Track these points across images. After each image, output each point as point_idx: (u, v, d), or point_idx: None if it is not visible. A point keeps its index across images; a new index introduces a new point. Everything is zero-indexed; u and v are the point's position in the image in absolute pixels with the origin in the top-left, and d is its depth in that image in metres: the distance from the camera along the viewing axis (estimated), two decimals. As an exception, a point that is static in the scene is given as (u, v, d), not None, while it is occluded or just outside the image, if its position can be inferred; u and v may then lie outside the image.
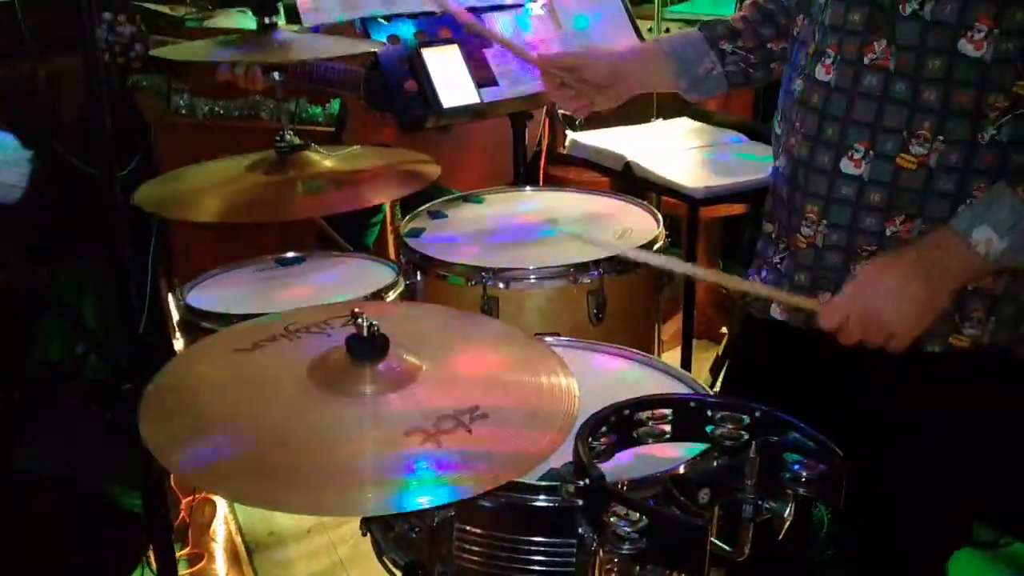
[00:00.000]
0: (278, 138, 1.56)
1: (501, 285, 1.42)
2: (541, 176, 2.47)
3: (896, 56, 1.10)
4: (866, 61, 1.13)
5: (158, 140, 2.77)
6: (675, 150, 2.14)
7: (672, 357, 2.06)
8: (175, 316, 1.48)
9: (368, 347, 0.90)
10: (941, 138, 1.10)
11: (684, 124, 2.38)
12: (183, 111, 2.81)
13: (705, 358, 2.69)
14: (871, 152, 1.14)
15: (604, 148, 2.13)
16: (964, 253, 1.05)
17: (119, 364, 2.07)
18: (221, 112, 2.81)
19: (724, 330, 2.73)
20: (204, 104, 2.80)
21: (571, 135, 2.22)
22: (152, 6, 3.18)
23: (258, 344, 0.94)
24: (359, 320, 0.90)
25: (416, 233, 1.62)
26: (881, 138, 1.13)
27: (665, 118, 2.44)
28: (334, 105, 2.81)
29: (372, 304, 1.35)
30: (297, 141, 1.58)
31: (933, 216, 1.13)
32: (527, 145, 2.08)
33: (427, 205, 1.75)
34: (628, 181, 2.05)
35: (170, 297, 1.55)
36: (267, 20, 1.54)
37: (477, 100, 1.74)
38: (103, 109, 1.47)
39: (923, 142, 1.11)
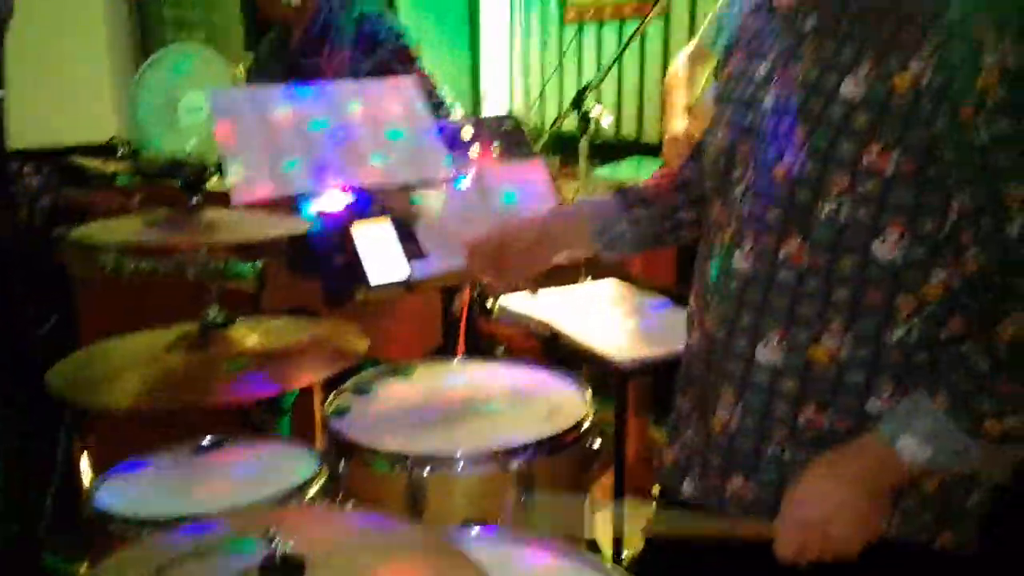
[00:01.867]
0: (203, 314, 1.54)
1: (427, 472, 1.39)
2: (465, 342, 2.48)
3: (810, 254, 1.14)
4: (781, 256, 1.16)
5: (80, 296, 2.71)
6: (602, 316, 2.17)
7: (605, 517, 2.05)
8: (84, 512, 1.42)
9: (282, 573, 0.86)
10: (851, 334, 1.13)
11: (611, 286, 2.42)
12: (109, 268, 2.76)
13: (639, 515, 2.65)
14: (785, 342, 1.17)
15: (530, 315, 2.15)
16: (892, 462, 1.07)
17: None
18: (147, 269, 2.77)
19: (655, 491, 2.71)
20: (131, 261, 2.76)
21: (499, 301, 2.24)
22: (81, 160, 3.18)
23: (163, 570, 0.89)
24: (272, 543, 0.86)
25: (341, 412, 1.59)
26: (795, 330, 1.16)
27: (594, 277, 2.49)
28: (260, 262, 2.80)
29: (288, 513, 1.31)
30: (221, 319, 1.57)
31: (844, 408, 1.15)
32: (456, 310, 2.09)
33: (353, 380, 1.73)
34: (556, 349, 2.06)
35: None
36: (194, 200, 1.55)
37: (407, 275, 1.75)
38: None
39: (834, 336, 1.13)
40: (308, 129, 1.86)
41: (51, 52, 3.79)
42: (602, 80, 2.76)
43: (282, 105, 1.88)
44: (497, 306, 2.23)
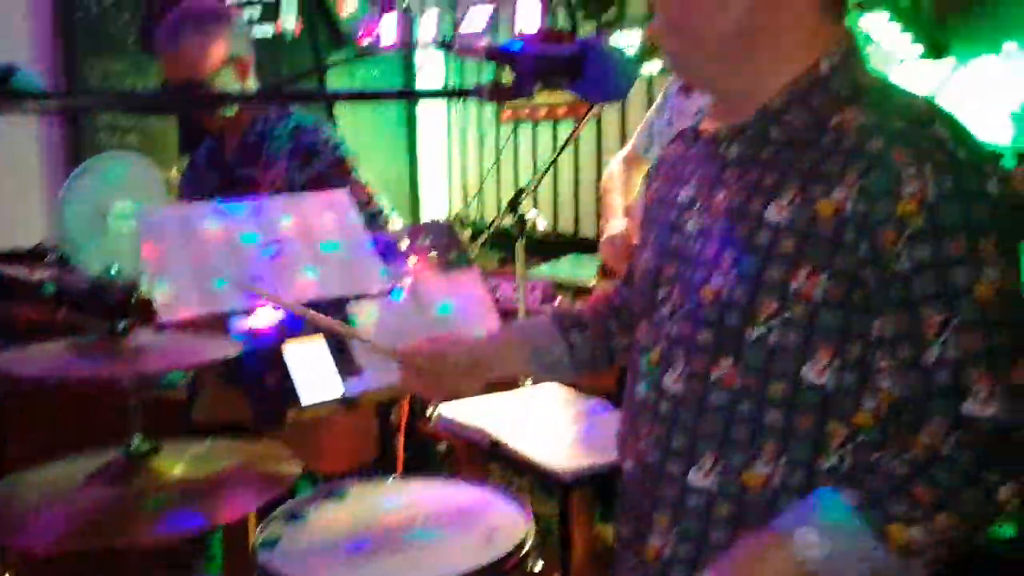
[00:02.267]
0: (126, 443, 1.48)
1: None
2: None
3: (742, 377, 1.13)
4: (713, 378, 1.16)
5: (4, 411, 2.60)
6: (544, 422, 2.14)
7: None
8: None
9: None
10: (784, 459, 1.12)
11: (552, 390, 2.40)
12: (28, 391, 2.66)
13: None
14: (719, 466, 1.15)
15: (469, 423, 2.11)
16: (787, 555, 1.03)
17: None
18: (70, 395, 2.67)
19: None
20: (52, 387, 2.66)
21: (437, 408, 2.20)
22: (5, 268, 3.09)
23: None
24: None
25: (271, 543, 1.52)
26: (728, 453, 1.14)
27: (535, 381, 2.47)
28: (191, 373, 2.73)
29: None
30: (146, 446, 1.50)
31: None
32: (394, 422, 2.05)
33: (285, 506, 1.66)
34: (496, 459, 2.02)
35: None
36: (119, 326, 1.50)
37: (341, 393, 1.71)
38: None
39: (767, 462, 1.12)
40: (239, 244, 1.84)
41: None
42: (537, 184, 2.80)
43: (211, 221, 1.86)
44: (435, 413, 2.19)
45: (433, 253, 2.01)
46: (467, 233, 4.37)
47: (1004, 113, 2.75)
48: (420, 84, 5.18)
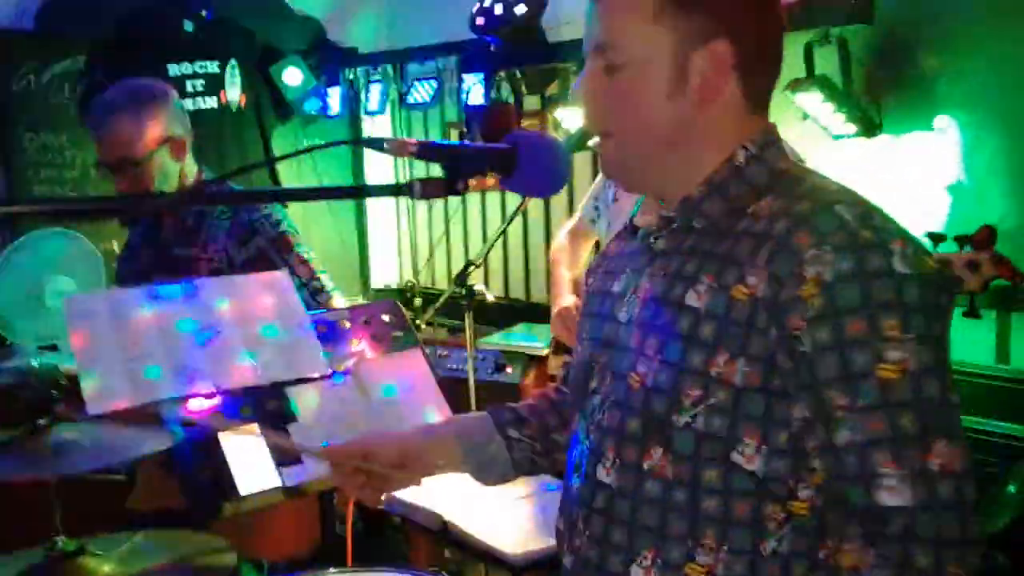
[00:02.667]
0: (50, 544, 1.40)
1: None
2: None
3: (674, 465, 1.11)
4: (645, 467, 1.13)
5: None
6: (495, 502, 2.09)
7: None
8: None
9: None
10: (725, 548, 1.09)
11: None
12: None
13: None
14: (660, 560, 1.12)
15: (419, 504, 2.05)
16: None
17: None
18: None
19: None
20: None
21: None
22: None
23: None
24: None
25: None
26: (667, 546, 1.12)
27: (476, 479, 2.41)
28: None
29: None
30: (71, 546, 1.43)
31: None
32: (340, 505, 1.98)
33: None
34: (447, 542, 1.96)
35: None
36: (39, 422, 1.43)
37: (278, 483, 1.65)
38: None
39: (708, 551, 1.09)
40: (173, 330, 1.78)
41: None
42: (484, 257, 2.79)
43: (144, 306, 1.80)
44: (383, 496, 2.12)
45: (377, 333, 1.97)
46: (418, 301, 4.34)
47: (939, 187, 2.80)
48: (368, 149, 5.17)
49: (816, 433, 1.04)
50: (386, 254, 5.23)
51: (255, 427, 1.67)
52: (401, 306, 2.05)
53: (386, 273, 5.22)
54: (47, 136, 4.08)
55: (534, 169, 1.08)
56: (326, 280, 2.33)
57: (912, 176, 2.84)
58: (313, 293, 2.28)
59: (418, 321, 3.03)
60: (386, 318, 2.00)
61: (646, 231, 1.23)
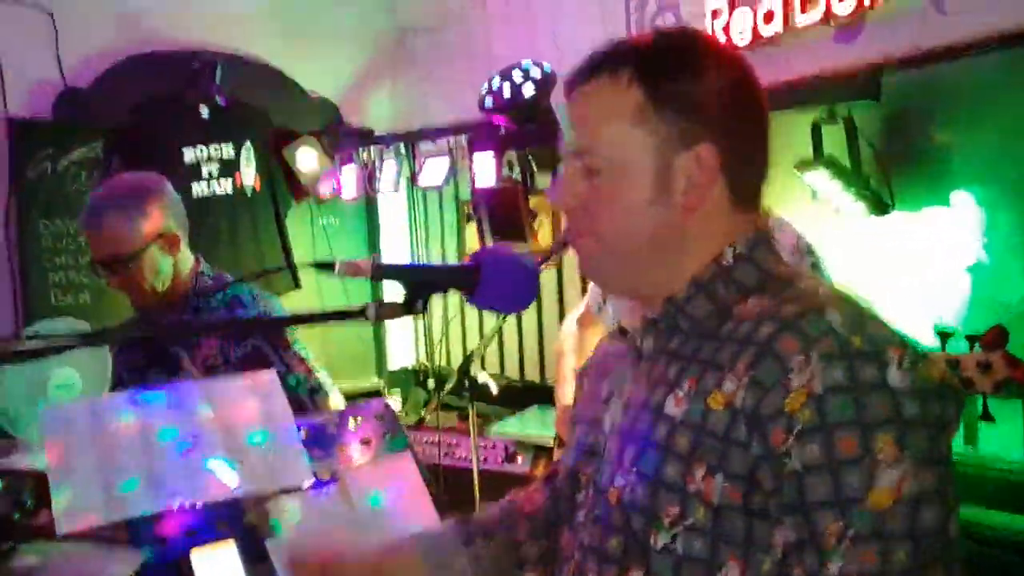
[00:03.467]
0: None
1: None
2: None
3: None
4: None
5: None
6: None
7: None
8: None
9: None
10: None
11: None
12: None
13: None
14: None
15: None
16: None
17: None
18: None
19: None
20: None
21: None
22: None
23: None
24: None
25: None
26: None
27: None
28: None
29: None
30: None
31: None
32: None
33: None
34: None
35: None
36: (3, 546, 1.37)
37: (253, 602, 1.57)
38: None
39: None
40: (153, 440, 1.72)
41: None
42: (487, 346, 2.73)
43: (126, 414, 1.75)
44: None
45: (366, 436, 1.90)
46: (431, 382, 4.27)
47: (959, 268, 2.70)
48: (384, 228, 5.16)
49: (804, 559, 0.95)
50: (403, 334, 5.17)
51: (229, 544, 1.60)
52: (391, 406, 1.99)
53: (403, 354, 5.16)
54: (62, 223, 4.10)
55: (498, 287, 1.03)
56: (324, 378, 2.27)
57: (928, 254, 2.75)
58: (310, 392, 2.23)
59: (427, 407, 2.97)
60: (377, 420, 1.93)
61: (635, 331, 1.16)
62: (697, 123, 1.06)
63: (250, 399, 1.86)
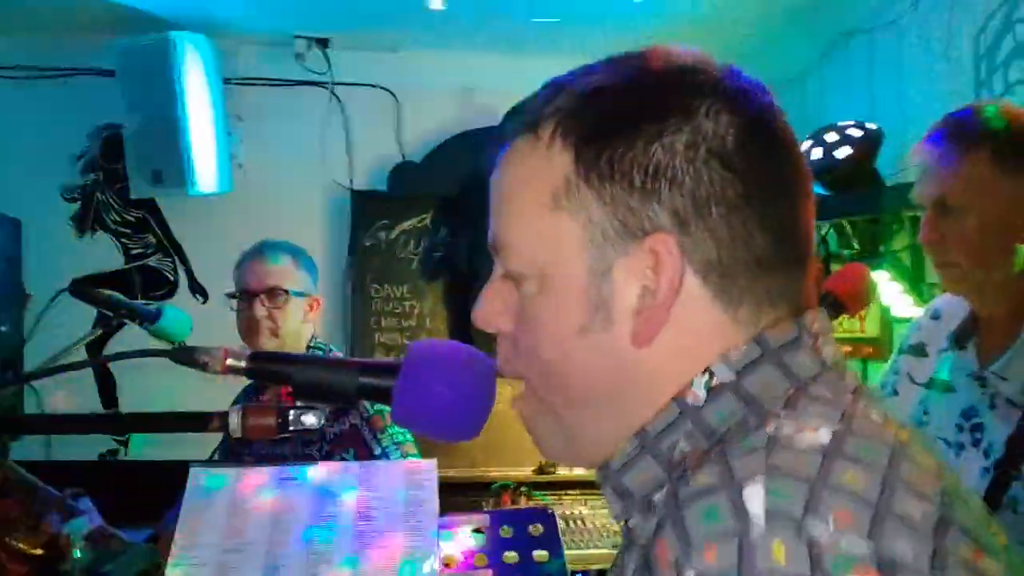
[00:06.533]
0: None
1: None
2: None
3: None
4: None
5: None
6: None
7: None
8: None
9: None
10: None
11: None
12: None
13: None
14: None
15: None
16: None
17: None
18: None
19: None
20: None
21: None
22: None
23: None
24: None
25: None
26: None
27: None
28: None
29: None
30: None
31: None
32: None
33: None
34: None
35: None
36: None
37: None
38: None
39: None
40: (284, 521, 1.63)
41: None
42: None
43: (268, 491, 1.68)
44: None
45: (517, 546, 1.65)
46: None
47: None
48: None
49: None
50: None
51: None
52: (557, 517, 1.71)
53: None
54: (391, 287, 4.37)
55: (423, 399, 0.75)
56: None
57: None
58: None
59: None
60: (533, 529, 1.68)
61: None
62: (652, 200, 0.70)
63: (400, 486, 1.71)
